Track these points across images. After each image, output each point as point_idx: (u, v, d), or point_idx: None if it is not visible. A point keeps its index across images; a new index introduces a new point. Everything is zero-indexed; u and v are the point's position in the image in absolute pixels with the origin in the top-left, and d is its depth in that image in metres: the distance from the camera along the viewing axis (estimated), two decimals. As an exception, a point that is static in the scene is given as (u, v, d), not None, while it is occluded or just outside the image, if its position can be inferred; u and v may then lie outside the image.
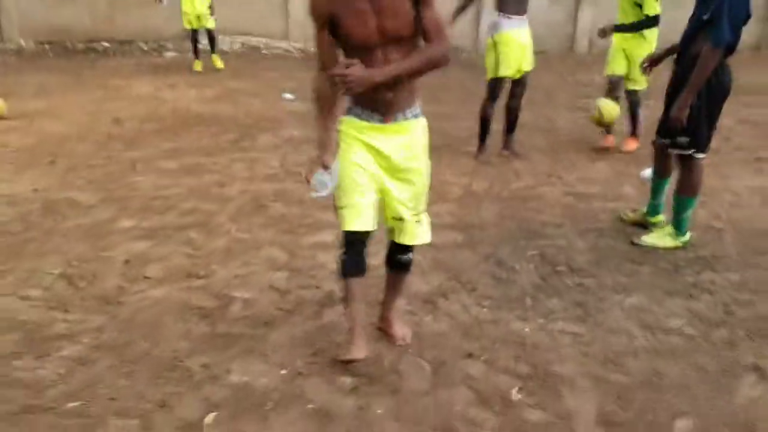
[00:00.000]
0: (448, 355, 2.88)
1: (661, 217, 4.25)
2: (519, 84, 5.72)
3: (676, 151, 3.86)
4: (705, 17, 3.59)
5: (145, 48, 11.87)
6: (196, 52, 10.24)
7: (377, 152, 2.57)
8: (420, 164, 2.65)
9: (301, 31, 11.82)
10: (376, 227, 2.60)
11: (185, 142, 6.33)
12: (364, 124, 2.54)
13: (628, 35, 5.77)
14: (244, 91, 8.85)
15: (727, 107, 3.80)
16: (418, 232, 2.74)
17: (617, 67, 5.94)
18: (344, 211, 2.58)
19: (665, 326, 3.12)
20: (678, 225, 3.95)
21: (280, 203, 4.79)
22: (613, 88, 6.02)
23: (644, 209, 4.34)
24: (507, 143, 5.96)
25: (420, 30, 2.39)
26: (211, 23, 10.00)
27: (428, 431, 2.43)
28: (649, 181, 5.17)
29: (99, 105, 7.83)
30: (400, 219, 2.69)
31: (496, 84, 5.61)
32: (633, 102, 5.99)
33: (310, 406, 2.54)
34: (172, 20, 10.84)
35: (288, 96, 8.57)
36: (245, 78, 9.64)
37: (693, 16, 3.75)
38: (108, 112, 7.39)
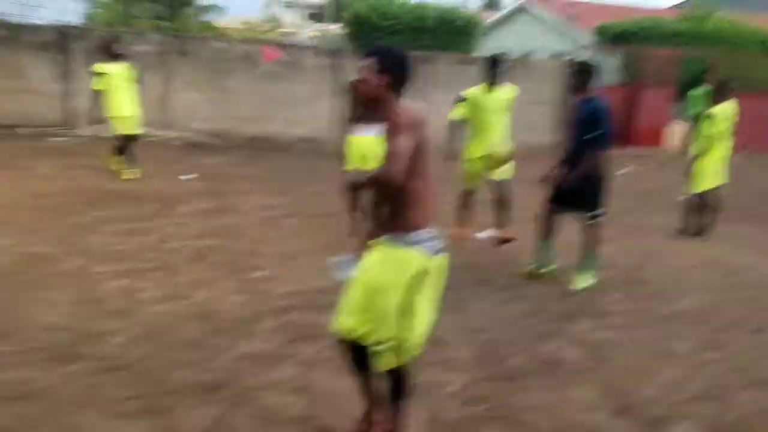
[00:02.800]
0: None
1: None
2: None
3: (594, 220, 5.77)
4: (587, 137, 5.49)
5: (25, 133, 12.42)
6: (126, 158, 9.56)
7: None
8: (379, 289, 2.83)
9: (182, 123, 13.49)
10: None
11: (113, 212, 7.50)
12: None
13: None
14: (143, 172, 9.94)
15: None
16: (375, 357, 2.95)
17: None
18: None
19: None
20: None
21: (216, 254, 6.25)
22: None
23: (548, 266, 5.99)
24: None
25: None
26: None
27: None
28: (486, 241, 7.15)
29: (13, 182, 8.66)
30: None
31: None
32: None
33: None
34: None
35: (187, 177, 9.92)
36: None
37: (573, 135, 5.60)
38: (26, 188, 8.31)
